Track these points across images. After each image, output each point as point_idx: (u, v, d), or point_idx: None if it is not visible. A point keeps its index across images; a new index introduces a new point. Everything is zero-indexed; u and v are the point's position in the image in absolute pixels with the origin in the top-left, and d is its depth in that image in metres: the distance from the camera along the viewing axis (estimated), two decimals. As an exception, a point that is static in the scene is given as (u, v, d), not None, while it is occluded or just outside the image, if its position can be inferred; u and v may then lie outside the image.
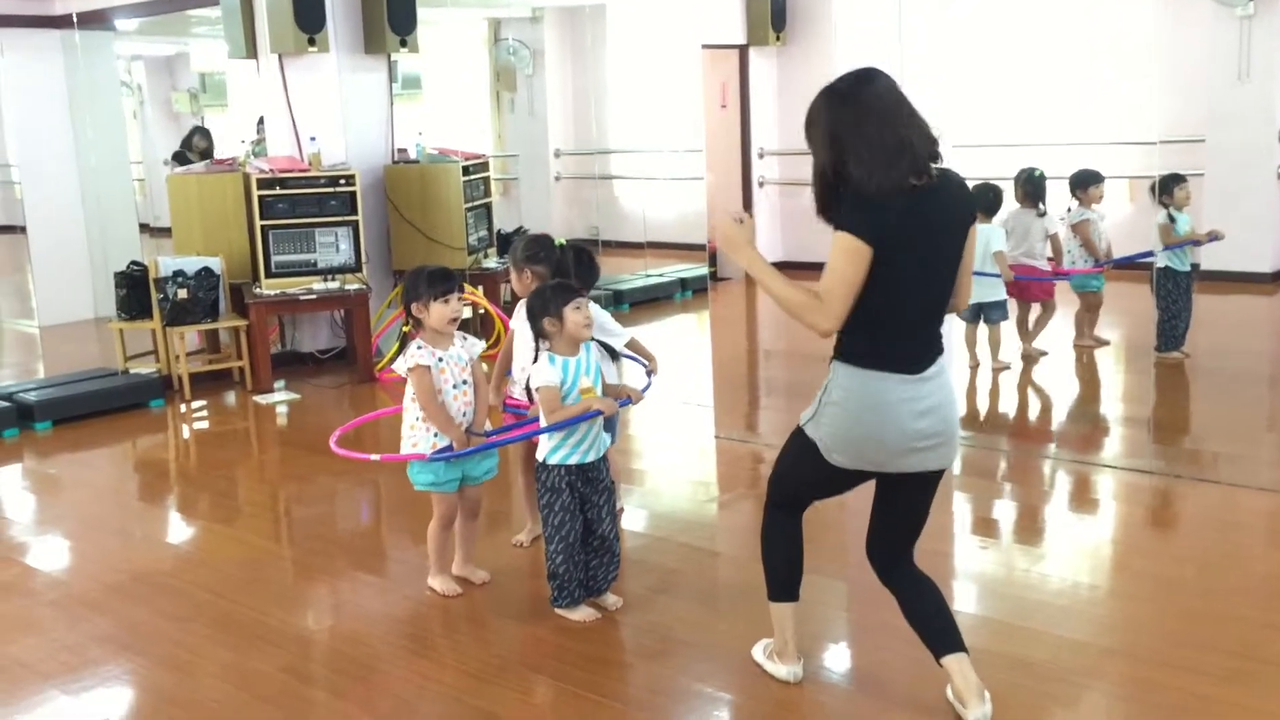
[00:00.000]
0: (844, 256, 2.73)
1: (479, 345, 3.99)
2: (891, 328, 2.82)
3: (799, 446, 2.99)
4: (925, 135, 2.76)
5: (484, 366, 4.08)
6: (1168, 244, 6.06)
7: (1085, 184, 6.36)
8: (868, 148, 2.70)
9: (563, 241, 4.19)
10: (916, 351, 2.84)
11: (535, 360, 3.66)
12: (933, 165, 2.78)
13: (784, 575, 3.18)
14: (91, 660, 3.62)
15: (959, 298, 2.96)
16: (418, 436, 3.84)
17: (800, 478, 3.08)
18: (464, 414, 3.84)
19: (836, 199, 2.79)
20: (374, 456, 4.04)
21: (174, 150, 9.55)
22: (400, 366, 3.81)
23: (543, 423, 3.64)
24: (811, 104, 2.84)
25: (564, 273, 4.03)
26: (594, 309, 4.23)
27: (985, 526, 4.58)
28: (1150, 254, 6.06)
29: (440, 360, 3.80)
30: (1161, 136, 5.66)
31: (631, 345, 4.28)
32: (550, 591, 3.73)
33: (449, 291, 3.81)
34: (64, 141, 8.99)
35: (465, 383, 3.86)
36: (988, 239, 6.28)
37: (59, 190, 8.97)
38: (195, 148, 9.36)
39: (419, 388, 3.77)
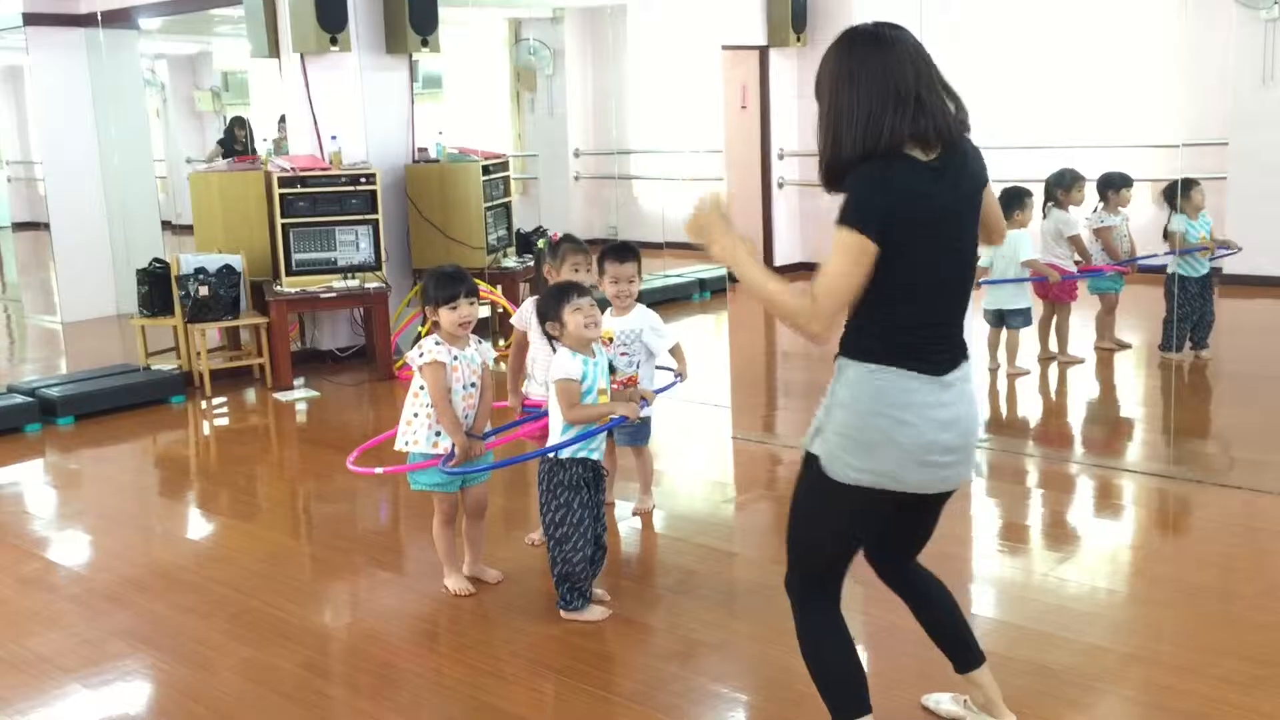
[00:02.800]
0: (846, 255, 2.39)
1: (491, 351, 4.01)
2: (906, 322, 2.48)
3: (811, 488, 2.60)
4: (941, 99, 2.47)
5: (500, 365, 4.10)
6: (1178, 249, 6.03)
7: (1114, 187, 6.33)
8: (862, 98, 2.41)
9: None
10: (937, 349, 2.51)
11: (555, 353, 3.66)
12: (953, 135, 2.48)
13: (844, 684, 2.67)
14: (112, 655, 3.64)
15: (995, 235, 2.68)
16: (418, 434, 3.85)
17: (821, 532, 2.63)
18: (466, 416, 3.85)
19: (841, 167, 2.47)
20: (378, 470, 4.06)
21: (219, 139, 9.64)
22: (415, 359, 3.81)
23: (554, 417, 3.64)
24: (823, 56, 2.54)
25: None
26: (642, 309, 4.27)
27: (1004, 531, 4.56)
28: (1154, 256, 6.03)
29: (455, 359, 3.81)
30: (1184, 139, 5.63)
31: (673, 351, 4.30)
32: (560, 595, 3.72)
33: (455, 298, 3.81)
34: (88, 139, 9.06)
35: (473, 385, 3.87)
36: (1016, 245, 6.25)
37: (82, 187, 9.04)
38: (238, 139, 9.44)
39: (433, 384, 3.77)
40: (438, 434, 3.82)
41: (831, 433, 2.52)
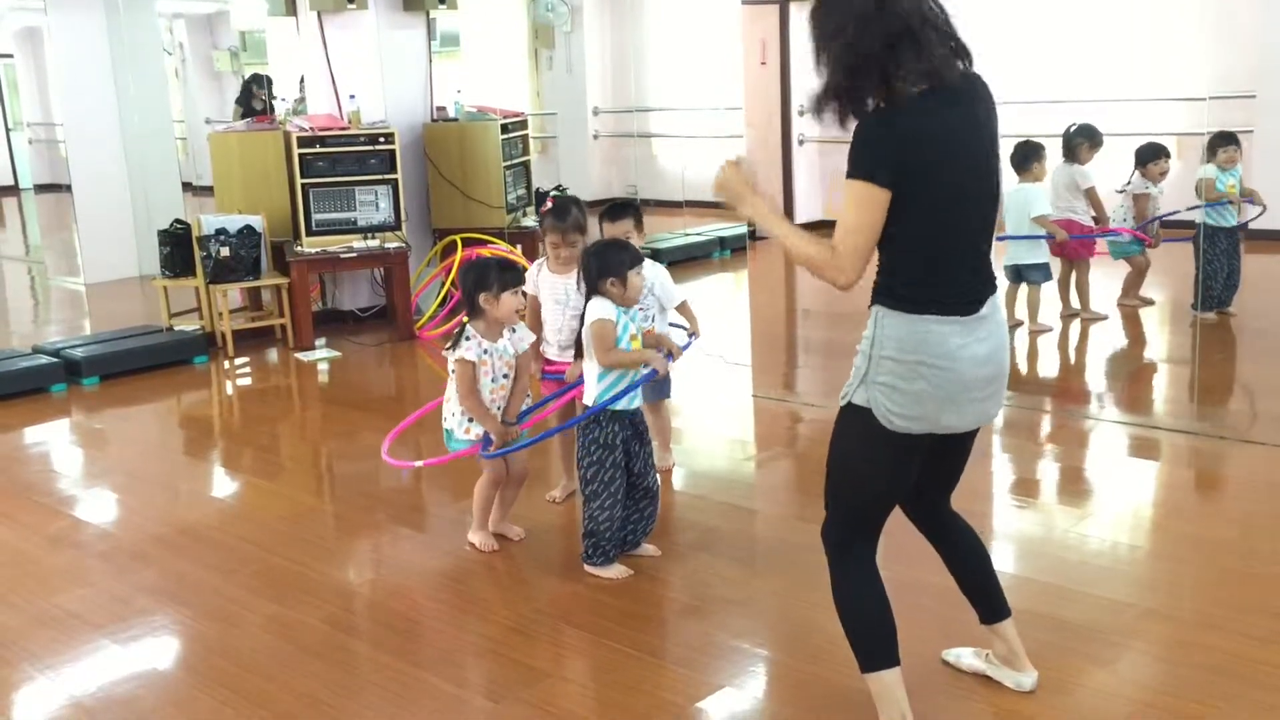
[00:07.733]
0: (858, 206, 2.42)
1: (527, 340, 3.94)
2: (936, 261, 2.49)
3: (851, 433, 2.59)
4: (943, 38, 2.44)
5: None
6: (1209, 200, 5.96)
7: (1150, 158, 6.27)
8: (866, 36, 2.38)
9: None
10: (968, 286, 2.52)
11: (585, 307, 3.66)
12: (953, 75, 2.44)
13: (876, 634, 2.70)
14: (140, 611, 3.69)
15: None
16: (459, 416, 3.86)
17: (864, 481, 2.64)
18: (496, 406, 3.86)
19: (831, 101, 2.47)
20: (418, 463, 4.08)
21: (237, 97, 9.64)
22: (450, 356, 3.82)
23: (589, 370, 3.65)
24: None
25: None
26: (651, 265, 4.29)
27: (1025, 487, 4.56)
28: (1175, 213, 5.98)
29: (485, 353, 3.80)
30: (1210, 92, 5.55)
31: (681, 308, 4.33)
32: (583, 549, 3.76)
33: (519, 282, 3.83)
34: (108, 101, 9.06)
35: (506, 376, 3.86)
36: (1028, 200, 6.19)
37: (103, 149, 9.06)
38: (256, 97, 9.45)
39: (461, 380, 3.78)
40: (470, 419, 3.84)
41: (876, 382, 2.52)
